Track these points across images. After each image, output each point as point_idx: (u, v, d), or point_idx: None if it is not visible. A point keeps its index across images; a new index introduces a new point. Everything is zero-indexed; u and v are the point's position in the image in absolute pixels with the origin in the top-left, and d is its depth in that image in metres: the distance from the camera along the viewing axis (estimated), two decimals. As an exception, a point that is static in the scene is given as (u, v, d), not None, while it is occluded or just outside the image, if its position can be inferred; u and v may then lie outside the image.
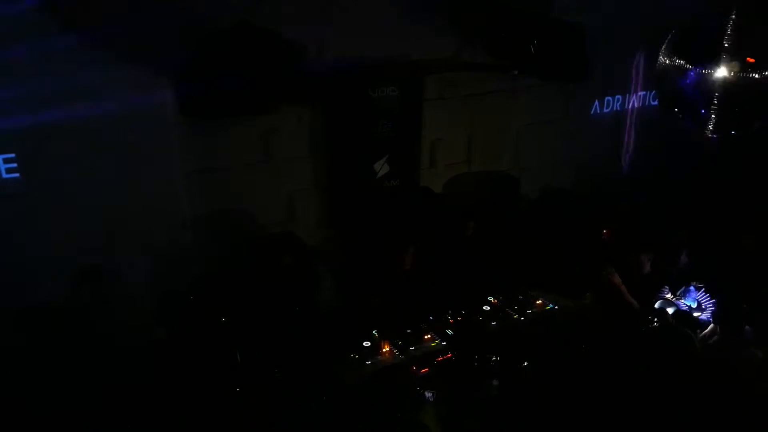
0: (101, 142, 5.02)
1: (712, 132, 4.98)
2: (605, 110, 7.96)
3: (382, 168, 6.29)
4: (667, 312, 5.53)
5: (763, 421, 4.33)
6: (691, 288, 5.83)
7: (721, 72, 4.75)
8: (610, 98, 7.93)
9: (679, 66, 4.97)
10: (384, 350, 5.06)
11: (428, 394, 4.67)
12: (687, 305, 5.76)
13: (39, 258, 5.01)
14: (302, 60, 5.41)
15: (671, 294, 5.92)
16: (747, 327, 5.13)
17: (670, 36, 5.18)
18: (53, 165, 4.93)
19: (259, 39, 5.01)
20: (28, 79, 4.67)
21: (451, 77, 6.52)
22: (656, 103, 7.89)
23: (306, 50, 5.46)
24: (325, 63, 5.72)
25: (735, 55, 4.72)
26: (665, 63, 5.12)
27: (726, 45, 4.72)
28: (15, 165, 4.87)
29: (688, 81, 4.95)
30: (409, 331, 5.34)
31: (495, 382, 4.77)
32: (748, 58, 4.72)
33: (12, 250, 4.93)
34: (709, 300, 5.75)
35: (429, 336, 5.30)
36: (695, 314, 5.71)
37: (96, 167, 5.06)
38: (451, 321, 5.52)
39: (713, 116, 4.90)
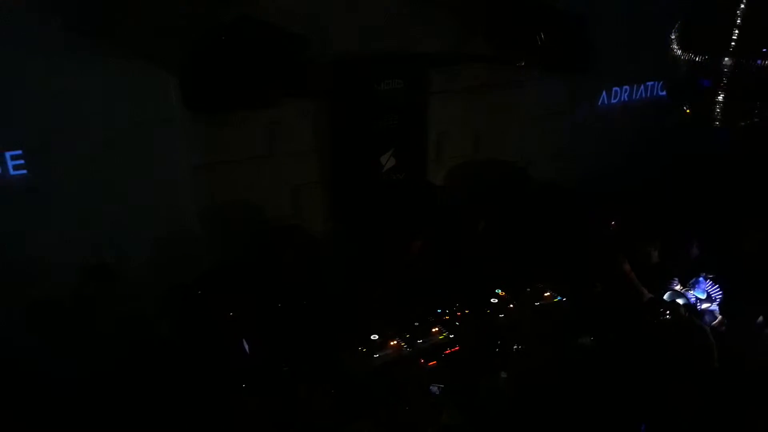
0: (107, 138, 5.03)
1: (722, 122, 4.94)
2: (613, 101, 7.91)
3: (388, 161, 6.27)
4: (680, 304, 5.50)
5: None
6: (701, 279, 5.79)
7: (731, 61, 4.71)
8: (617, 89, 7.87)
9: (689, 56, 4.93)
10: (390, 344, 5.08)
11: (434, 388, 4.67)
12: (696, 296, 5.73)
13: (47, 254, 5.02)
14: (307, 53, 5.38)
15: (681, 285, 5.88)
16: (760, 318, 5.10)
17: (679, 25, 5.14)
18: (60, 161, 4.94)
19: (263, 32, 4.99)
20: (34, 75, 4.68)
21: (457, 69, 6.48)
22: (664, 93, 7.83)
23: (311, 43, 5.43)
24: (330, 56, 5.71)
25: (744, 44, 4.67)
26: (674, 53, 5.08)
27: (735, 33, 4.68)
28: (22, 162, 4.87)
29: (697, 71, 4.91)
30: (416, 324, 5.34)
31: (503, 375, 4.77)
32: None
33: (20, 246, 4.95)
34: (718, 291, 5.71)
35: (437, 329, 5.30)
36: (704, 305, 5.68)
37: (102, 163, 5.06)
38: (458, 314, 5.52)
39: (722, 106, 4.86)
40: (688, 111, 5.24)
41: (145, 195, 5.32)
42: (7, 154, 4.79)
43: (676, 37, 5.07)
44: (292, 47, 5.13)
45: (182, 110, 5.22)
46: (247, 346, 4.94)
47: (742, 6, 4.65)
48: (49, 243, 5.02)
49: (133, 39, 4.90)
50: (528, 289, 5.86)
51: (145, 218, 5.37)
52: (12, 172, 4.84)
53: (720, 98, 4.93)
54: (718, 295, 5.71)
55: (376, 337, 5.16)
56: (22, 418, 4.60)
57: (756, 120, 5.12)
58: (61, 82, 4.77)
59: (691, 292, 5.76)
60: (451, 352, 5.11)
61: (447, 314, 5.51)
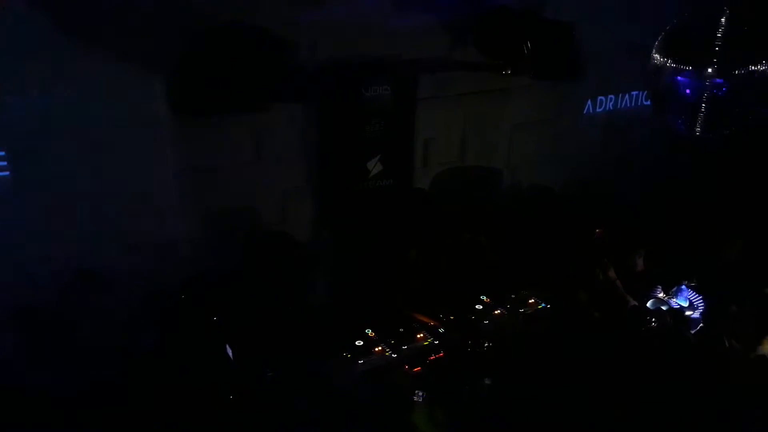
0: (92, 141, 4.99)
1: (702, 132, 5.00)
2: (598, 110, 7.98)
3: (374, 167, 6.29)
4: (665, 313, 5.55)
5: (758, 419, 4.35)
6: (683, 287, 5.85)
7: (712, 71, 4.78)
8: (602, 98, 7.94)
9: (671, 65, 4.99)
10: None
11: (419, 394, 4.67)
12: (679, 304, 5.78)
13: (29, 259, 4.97)
14: (295, 58, 5.39)
15: (663, 293, 5.93)
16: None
17: (662, 35, 5.20)
18: (43, 163, 4.89)
19: (252, 37, 5.00)
20: (18, 75, 4.64)
21: (444, 76, 6.51)
22: (648, 102, 7.90)
23: (299, 48, 5.44)
24: (317, 61, 5.72)
25: (726, 54, 4.74)
26: (657, 62, 5.13)
27: (717, 44, 4.74)
28: (5, 163, 4.82)
29: (679, 80, 4.97)
30: (401, 329, 5.35)
31: (487, 381, 4.77)
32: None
33: (1, 251, 4.89)
34: (700, 299, 5.77)
35: (421, 335, 5.31)
36: (687, 313, 5.74)
37: (87, 166, 5.03)
38: (443, 319, 5.53)
39: (703, 116, 4.92)
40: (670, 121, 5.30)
41: (130, 198, 5.29)
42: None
43: (660, 47, 5.14)
44: (281, 53, 5.15)
45: (169, 114, 5.20)
46: (230, 352, 4.92)
47: (725, 17, 4.71)
48: (31, 246, 4.98)
49: (121, 41, 4.88)
50: (513, 296, 5.89)
51: (129, 222, 5.34)
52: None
53: (703, 108, 4.99)
54: (699, 303, 5.77)
55: (361, 342, 5.16)
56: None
57: (738, 130, 5.19)
58: (45, 81, 4.73)
59: (674, 299, 5.81)
60: (436, 358, 5.12)
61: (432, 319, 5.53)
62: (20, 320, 5.04)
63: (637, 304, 5.75)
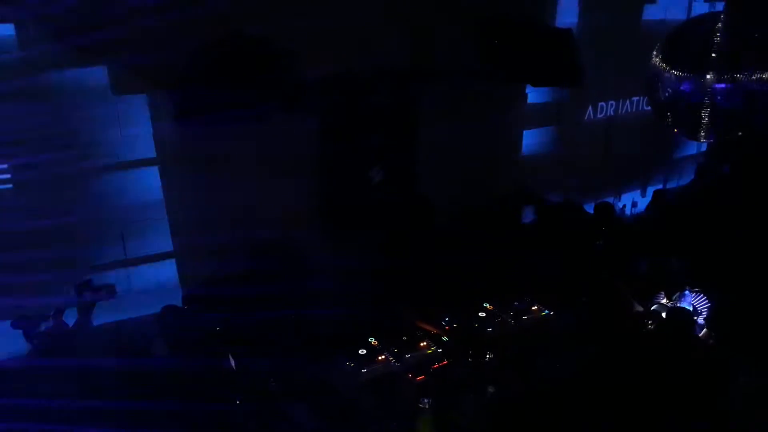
0: (95, 152, 5.02)
1: (705, 137, 5.01)
2: (599, 116, 7.99)
3: (377, 173, 6.30)
4: (660, 314, 5.54)
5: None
6: (686, 292, 5.83)
7: (712, 77, 4.79)
8: (603, 104, 7.96)
9: (670, 72, 5.01)
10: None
11: (424, 401, 4.66)
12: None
13: (31, 267, 4.99)
14: (298, 66, 5.42)
15: (666, 298, 5.92)
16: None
17: (661, 42, 5.22)
18: (46, 175, 4.92)
19: (255, 45, 5.03)
20: (20, 85, 4.67)
21: (447, 83, 6.53)
22: (649, 108, 7.92)
23: (302, 56, 5.47)
24: (321, 69, 5.74)
25: (725, 61, 4.76)
26: (657, 69, 5.16)
27: (716, 50, 4.76)
28: (9, 176, 4.85)
29: (679, 86, 4.99)
30: (404, 338, 5.34)
31: (491, 389, 4.76)
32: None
33: (6, 262, 4.91)
34: (704, 304, 5.75)
35: (425, 343, 5.30)
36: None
37: (90, 176, 5.05)
38: (447, 328, 5.52)
39: (705, 121, 4.93)
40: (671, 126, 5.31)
41: (135, 207, 5.31)
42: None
43: (659, 54, 5.16)
44: (284, 61, 5.17)
45: (172, 120, 5.23)
46: (233, 362, 4.92)
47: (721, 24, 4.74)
48: (35, 257, 4.99)
49: (125, 48, 4.92)
50: (516, 303, 5.88)
51: (134, 230, 5.36)
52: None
53: (704, 113, 5.00)
54: (703, 307, 5.75)
55: (364, 351, 5.15)
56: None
57: (740, 134, 5.20)
58: (48, 92, 4.76)
59: (677, 305, 5.79)
60: (440, 366, 5.10)
61: (435, 327, 5.51)
62: (24, 329, 5.05)
63: (642, 309, 5.73)
